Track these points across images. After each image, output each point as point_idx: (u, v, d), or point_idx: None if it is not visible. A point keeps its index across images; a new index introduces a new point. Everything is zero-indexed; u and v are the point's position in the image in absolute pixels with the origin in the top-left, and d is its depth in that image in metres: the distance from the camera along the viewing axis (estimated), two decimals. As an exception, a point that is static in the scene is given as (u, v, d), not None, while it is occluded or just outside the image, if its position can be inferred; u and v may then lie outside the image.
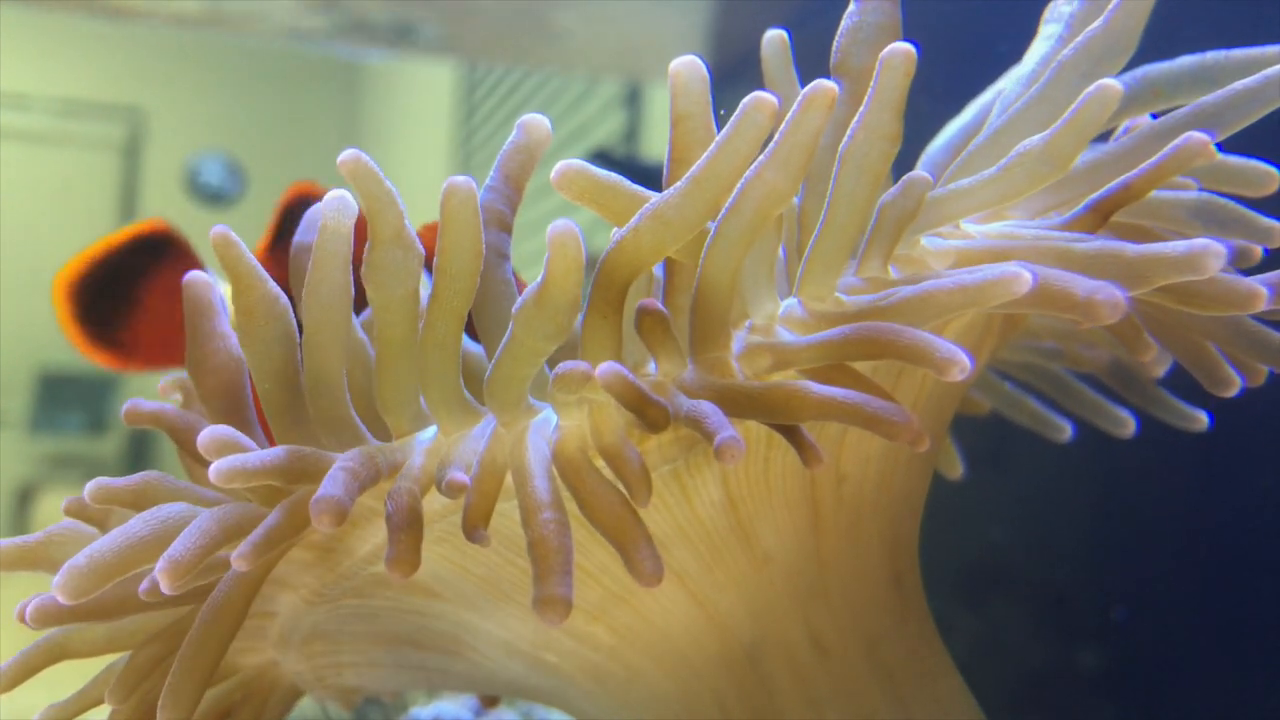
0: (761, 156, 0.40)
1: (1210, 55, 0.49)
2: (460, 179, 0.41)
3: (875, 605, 0.50)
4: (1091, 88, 0.42)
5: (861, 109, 0.42)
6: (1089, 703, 0.77)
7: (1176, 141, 0.42)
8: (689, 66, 0.45)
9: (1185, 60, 0.49)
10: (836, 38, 0.47)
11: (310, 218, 0.50)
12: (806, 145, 0.39)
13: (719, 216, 0.41)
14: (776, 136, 0.40)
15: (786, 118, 0.40)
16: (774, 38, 0.52)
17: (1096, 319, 0.37)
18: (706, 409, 0.38)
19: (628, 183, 0.44)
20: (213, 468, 0.40)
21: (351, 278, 0.45)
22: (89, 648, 0.49)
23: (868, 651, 0.49)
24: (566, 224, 0.38)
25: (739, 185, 0.40)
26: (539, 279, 0.39)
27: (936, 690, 0.50)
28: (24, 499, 3.91)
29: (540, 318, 0.40)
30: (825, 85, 0.39)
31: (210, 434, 0.42)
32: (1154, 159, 0.42)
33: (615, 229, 0.42)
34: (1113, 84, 0.42)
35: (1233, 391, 0.47)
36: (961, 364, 0.36)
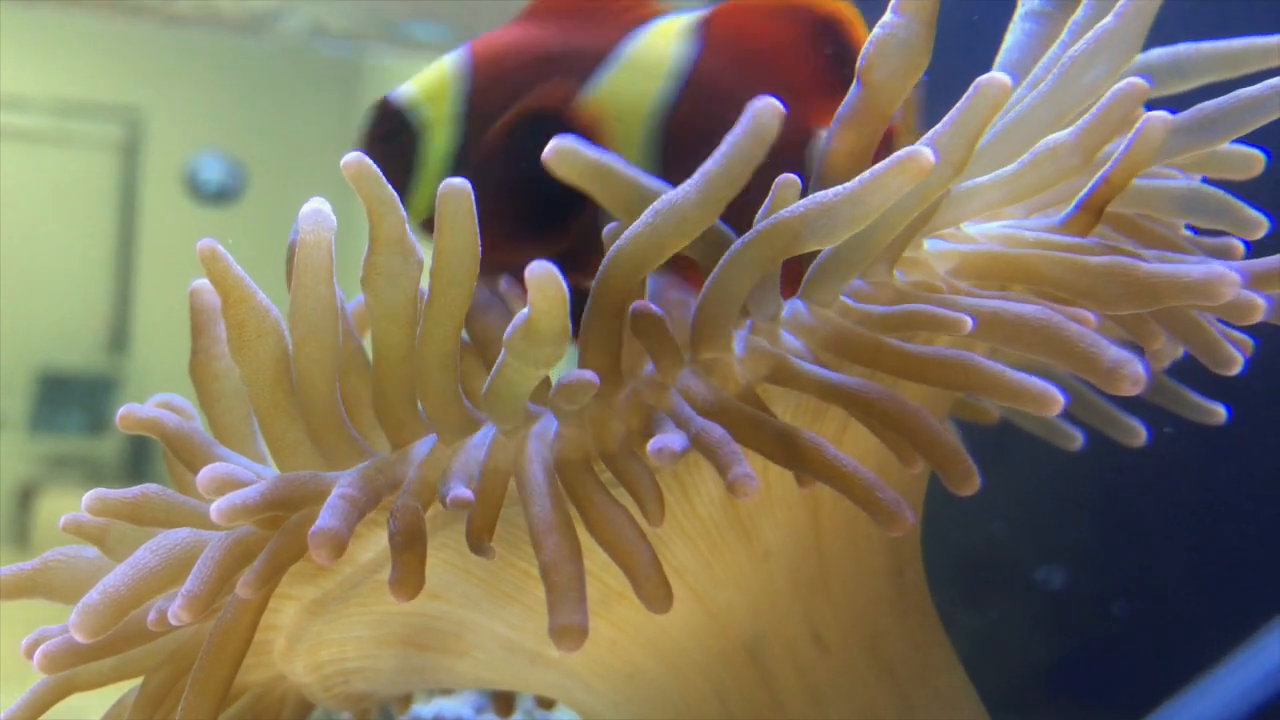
0: (832, 197, 0.39)
1: (1182, 47, 0.49)
2: (457, 181, 0.40)
3: (876, 600, 0.50)
4: (1121, 84, 0.42)
5: (938, 128, 0.41)
6: (1091, 698, 0.77)
7: (1137, 128, 0.42)
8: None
9: (1157, 52, 0.49)
10: (866, 44, 0.45)
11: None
12: (875, 209, 0.39)
13: (755, 229, 0.40)
14: (854, 182, 0.39)
15: (872, 171, 0.38)
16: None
17: (1116, 390, 0.37)
18: (718, 436, 0.38)
19: (623, 165, 0.43)
20: (213, 509, 0.40)
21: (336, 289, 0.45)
22: (97, 679, 0.49)
23: (869, 646, 0.49)
24: (544, 265, 0.38)
25: (795, 208, 0.40)
26: (525, 310, 0.39)
27: (938, 685, 0.50)
28: (24, 499, 3.91)
29: (530, 350, 0.40)
30: (921, 154, 0.38)
31: (210, 473, 0.42)
32: (1122, 148, 0.42)
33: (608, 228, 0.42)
34: (1140, 81, 0.42)
35: (1235, 369, 0.47)
36: (974, 485, 0.38)
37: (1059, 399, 0.37)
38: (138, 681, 0.49)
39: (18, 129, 4.10)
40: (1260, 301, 0.41)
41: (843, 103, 0.45)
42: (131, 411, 0.49)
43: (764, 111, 0.39)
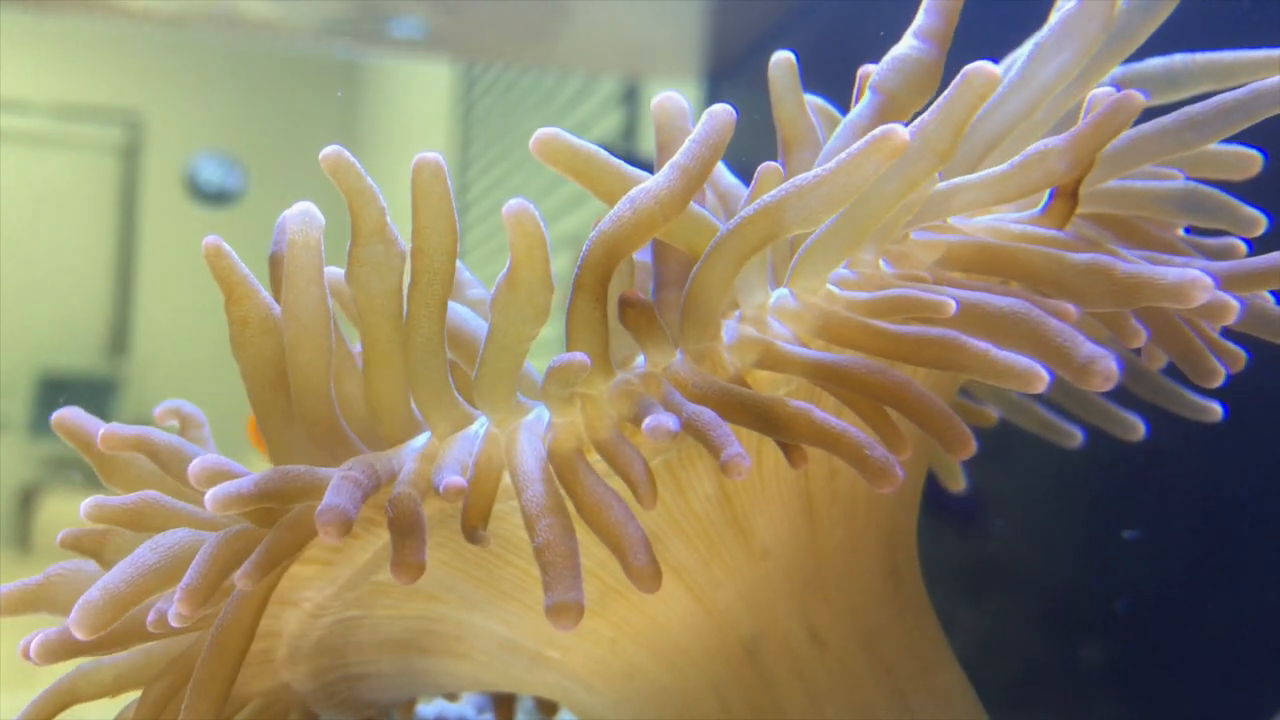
0: (810, 179, 0.40)
1: (1177, 57, 0.50)
2: (430, 154, 0.41)
3: (872, 599, 0.50)
4: (1120, 95, 0.42)
5: (924, 116, 0.41)
6: (1091, 696, 0.77)
7: (1106, 105, 0.42)
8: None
9: (1153, 62, 0.50)
10: (883, 60, 0.47)
11: (282, 228, 0.49)
12: (853, 190, 0.39)
13: (738, 217, 0.41)
14: (832, 163, 0.39)
15: (849, 150, 0.39)
16: (781, 60, 0.52)
17: (1089, 386, 0.38)
18: (709, 419, 0.38)
19: (604, 153, 0.44)
20: (207, 496, 0.40)
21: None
22: (98, 690, 0.49)
23: (866, 645, 0.49)
24: (519, 202, 0.39)
25: (776, 193, 0.40)
26: (507, 265, 0.40)
27: (935, 683, 0.50)
28: (26, 501, 3.91)
29: (517, 301, 0.40)
30: (896, 131, 0.38)
31: (200, 464, 0.42)
32: (1082, 126, 0.43)
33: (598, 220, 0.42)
34: (1136, 95, 0.42)
35: (1217, 382, 0.48)
36: (970, 448, 0.38)
37: (1044, 376, 0.37)
38: (138, 694, 0.49)
39: (18, 132, 4.11)
40: (1232, 303, 0.41)
41: (852, 110, 0.46)
42: (114, 432, 0.48)
43: (720, 112, 0.42)
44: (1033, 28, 0.51)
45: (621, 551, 0.39)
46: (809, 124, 0.51)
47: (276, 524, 0.42)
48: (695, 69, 1.37)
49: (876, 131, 0.39)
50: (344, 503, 0.39)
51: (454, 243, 0.42)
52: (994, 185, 0.44)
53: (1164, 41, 0.50)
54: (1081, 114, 0.45)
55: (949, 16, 0.47)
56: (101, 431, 0.48)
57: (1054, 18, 0.47)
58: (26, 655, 0.45)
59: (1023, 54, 0.50)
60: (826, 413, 0.39)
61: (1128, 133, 0.46)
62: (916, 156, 0.41)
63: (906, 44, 0.47)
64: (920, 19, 0.47)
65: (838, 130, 0.47)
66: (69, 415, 0.51)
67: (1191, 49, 0.50)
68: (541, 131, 0.43)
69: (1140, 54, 0.50)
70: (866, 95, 0.46)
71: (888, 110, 0.46)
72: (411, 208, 0.41)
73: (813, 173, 0.40)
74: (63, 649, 0.45)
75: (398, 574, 0.39)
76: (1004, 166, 0.44)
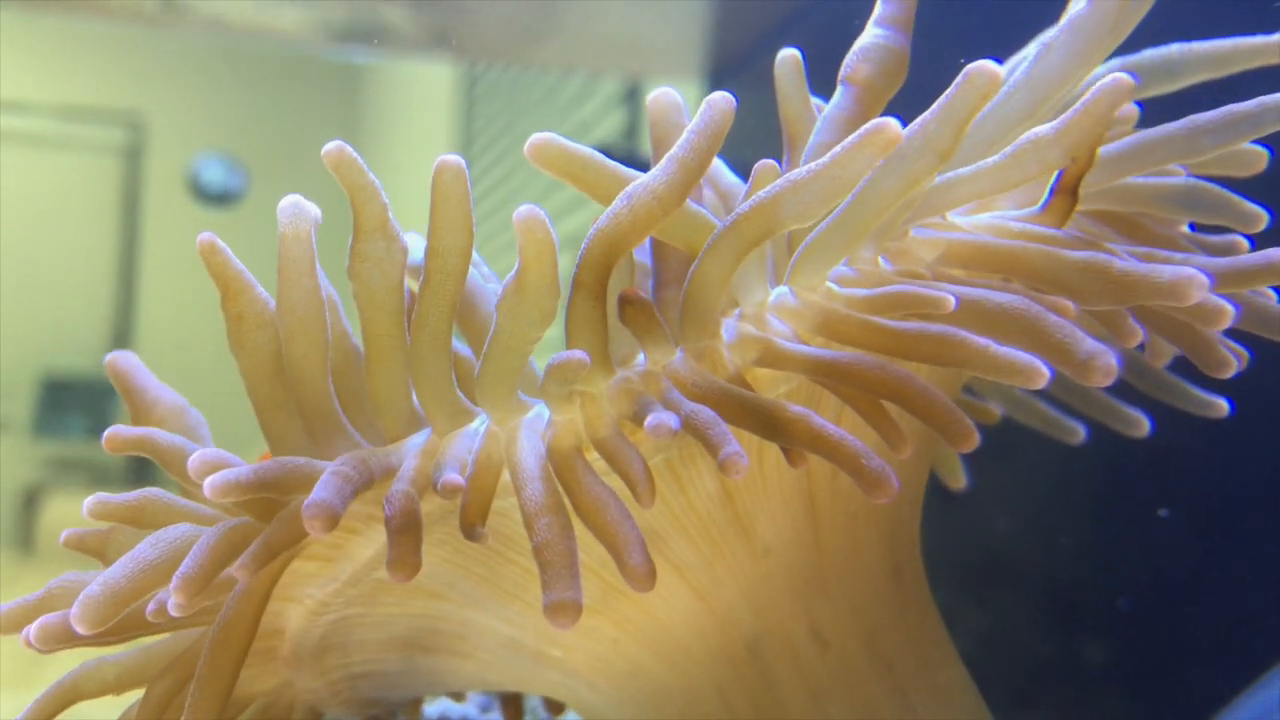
0: (805, 174, 0.40)
1: (1174, 47, 0.50)
2: (452, 156, 0.41)
3: (874, 597, 0.50)
4: (1107, 79, 0.42)
5: (926, 115, 0.41)
6: (1094, 694, 0.77)
7: (1095, 90, 0.42)
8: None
9: (1149, 53, 0.50)
10: (851, 52, 0.47)
11: None
12: (848, 183, 0.39)
13: (734, 214, 0.41)
14: (826, 158, 0.39)
15: (842, 145, 0.39)
16: (787, 57, 0.52)
17: (1089, 382, 0.38)
18: (707, 417, 0.38)
19: (600, 156, 0.44)
20: (206, 483, 0.40)
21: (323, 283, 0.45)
22: (101, 688, 0.49)
23: (868, 643, 0.49)
24: (530, 209, 0.39)
25: (771, 189, 0.40)
26: (515, 268, 0.40)
27: (937, 681, 0.50)
28: (28, 502, 3.92)
29: (524, 304, 0.40)
30: (889, 125, 0.38)
31: (200, 457, 0.43)
32: (1073, 112, 0.43)
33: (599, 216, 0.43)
34: (1125, 77, 0.42)
35: (1230, 373, 0.48)
36: (973, 441, 0.38)
37: (1044, 372, 0.37)
38: (141, 693, 0.49)
39: (21, 133, 4.11)
40: (1228, 308, 0.41)
41: (829, 105, 0.47)
42: (118, 433, 0.48)
43: (718, 101, 0.42)
44: (1040, 28, 0.51)
45: (616, 550, 0.39)
46: (814, 121, 0.51)
47: (276, 517, 0.42)
48: (697, 69, 1.37)
49: (868, 125, 0.39)
50: (330, 497, 0.39)
51: (469, 244, 0.42)
52: (989, 176, 0.44)
53: (1162, 37, 0.50)
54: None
55: (908, 1, 0.47)
56: (105, 435, 0.48)
57: (1063, 19, 0.47)
58: (28, 643, 0.45)
59: (1029, 54, 0.50)
60: (825, 419, 0.39)
61: (1132, 137, 0.46)
62: (916, 155, 0.41)
63: (871, 34, 0.47)
64: (880, 8, 0.47)
65: (817, 125, 0.47)
66: (120, 359, 0.53)
67: (1187, 39, 0.50)
68: (536, 137, 0.43)
69: (1137, 48, 0.50)
70: (839, 89, 0.47)
71: (863, 100, 0.46)
72: (430, 208, 0.42)
73: (806, 168, 0.40)
74: (64, 634, 0.45)
75: (392, 571, 0.39)
76: (997, 157, 0.44)
